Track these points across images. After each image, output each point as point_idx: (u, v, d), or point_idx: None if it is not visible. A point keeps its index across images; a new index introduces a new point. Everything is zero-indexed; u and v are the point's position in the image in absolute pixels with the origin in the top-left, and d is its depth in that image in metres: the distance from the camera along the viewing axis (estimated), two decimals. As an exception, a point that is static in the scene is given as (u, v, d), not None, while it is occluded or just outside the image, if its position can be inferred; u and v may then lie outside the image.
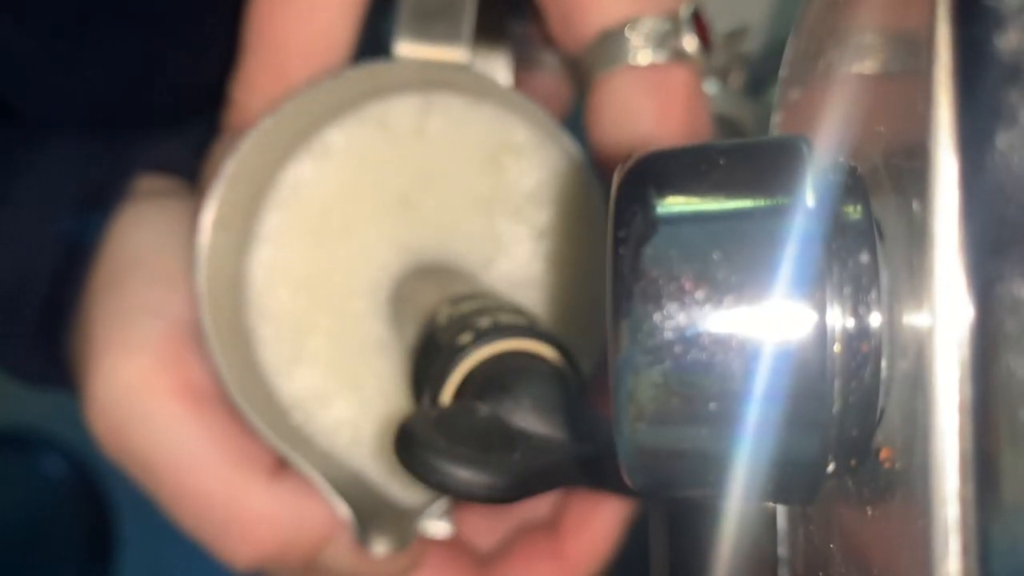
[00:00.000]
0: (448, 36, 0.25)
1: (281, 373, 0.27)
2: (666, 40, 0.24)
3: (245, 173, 0.26)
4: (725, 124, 0.32)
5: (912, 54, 0.12)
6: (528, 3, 0.30)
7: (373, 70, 0.26)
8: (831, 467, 0.14)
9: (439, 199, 0.27)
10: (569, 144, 0.27)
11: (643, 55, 0.24)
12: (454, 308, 0.24)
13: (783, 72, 0.18)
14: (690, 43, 0.25)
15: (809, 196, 0.13)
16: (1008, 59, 0.11)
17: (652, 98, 0.25)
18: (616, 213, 0.14)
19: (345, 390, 0.27)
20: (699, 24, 0.25)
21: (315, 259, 0.27)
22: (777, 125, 0.18)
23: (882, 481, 0.13)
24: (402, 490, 0.27)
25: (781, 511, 0.17)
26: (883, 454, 0.13)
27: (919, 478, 0.12)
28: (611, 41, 0.24)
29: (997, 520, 0.11)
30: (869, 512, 0.14)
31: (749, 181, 0.14)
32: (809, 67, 0.17)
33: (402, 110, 0.27)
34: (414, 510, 0.26)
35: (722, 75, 0.32)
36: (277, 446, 0.25)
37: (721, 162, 0.14)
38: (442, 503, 0.26)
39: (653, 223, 0.14)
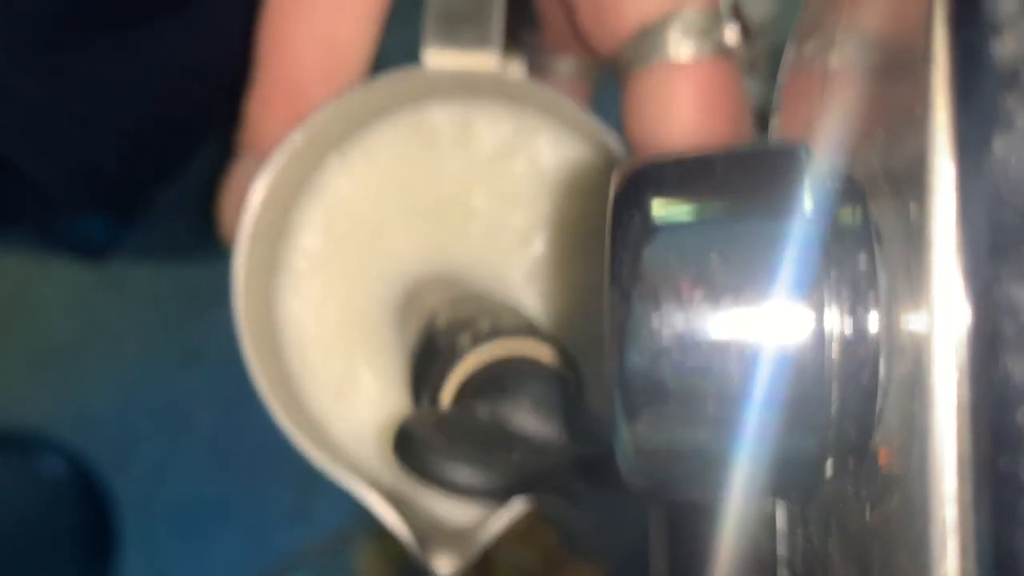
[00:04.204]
0: (478, 41, 0.25)
1: (327, 405, 0.27)
2: (708, 33, 0.24)
3: (275, 192, 0.25)
4: (758, 117, 0.32)
5: (909, 58, 0.12)
6: (537, 12, 0.29)
7: (405, 77, 0.25)
8: (829, 469, 0.14)
9: (475, 207, 0.27)
10: (615, 145, 0.26)
11: (685, 49, 0.24)
12: (453, 310, 0.24)
13: (781, 76, 0.18)
14: (732, 35, 0.24)
15: (807, 201, 0.13)
16: (1005, 64, 0.11)
17: (696, 92, 0.24)
18: (615, 217, 0.14)
19: (392, 418, 0.27)
20: (738, 15, 0.24)
21: (348, 278, 0.27)
22: (776, 129, 0.18)
23: (880, 483, 0.13)
24: (458, 508, 0.27)
25: (780, 512, 0.17)
26: (881, 456, 0.13)
27: (917, 480, 0.12)
28: (650, 36, 0.24)
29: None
30: (868, 513, 0.14)
31: (748, 185, 0.14)
32: (807, 71, 0.17)
33: (440, 116, 0.26)
34: (472, 527, 0.26)
35: (751, 67, 0.32)
36: (339, 477, 0.25)
37: (719, 167, 0.14)
38: (500, 520, 0.26)
39: (652, 227, 0.14)
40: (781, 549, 0.17)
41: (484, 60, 0.25)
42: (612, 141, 0.26)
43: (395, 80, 0.25)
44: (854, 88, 0.14)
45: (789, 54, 0.18)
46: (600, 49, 0.25)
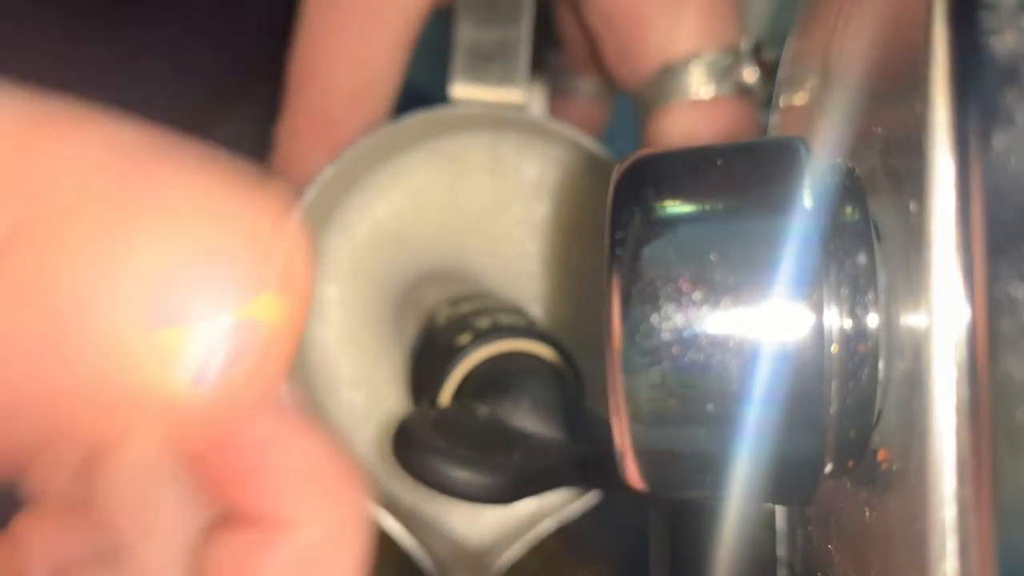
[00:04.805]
0: (505, 77, 0.25)
1: (351, 428, 0.27)
2: (728, 74, 0.25)
3: (308, 220, 0.26)
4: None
5: (909, 54, 0.12)
6: (561, 34, 0.30)
7: (434, 114, 0.25)
8: (828, 468, 0.14)
9: (501, 230, 0.27)
10: None
11: (706, 89, 0.25)
12: (453, 308, 0.24)
13: (782, 72, 0.18)
14: (751, 76, 0.25)
15: (807, 197, 0.13)
16: (1004, 60, 0.11)
17: (715, 132, 0.25)
18: (614, 215, 0.14)
19: None
20: (758, 56, 0.25)
21: (368, 296, 0.27)
22: (775, 126, 0.18)
23: (880, 482, 0.13)
24: (477, 529, 0.27)
25: (780, 512, 0.17)
26: (881, 455, 0.13)
27: (917, 479, 0.12)
28: (673, 75, 0.25)
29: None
30: (867, 513, 0.14)
31: (747, 182, 0.14)
32: (807, 68, 0.17)
33: (473, 146, 0.27)
34: (491, 550, 0.26)
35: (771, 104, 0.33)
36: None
37: (719, 163, 0.14)
38: (519, 545, 0.26)
39: (651, 225, 0.14)
40: (781, 550, 0.17)
41: (511, 96, 0.25)
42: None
43: (424, 117, 0.25)
44: (854, 84, 0.14)
45: (789, 51, 0.18)
46: (622, 83, 0.26)
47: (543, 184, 0.27)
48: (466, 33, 0.25)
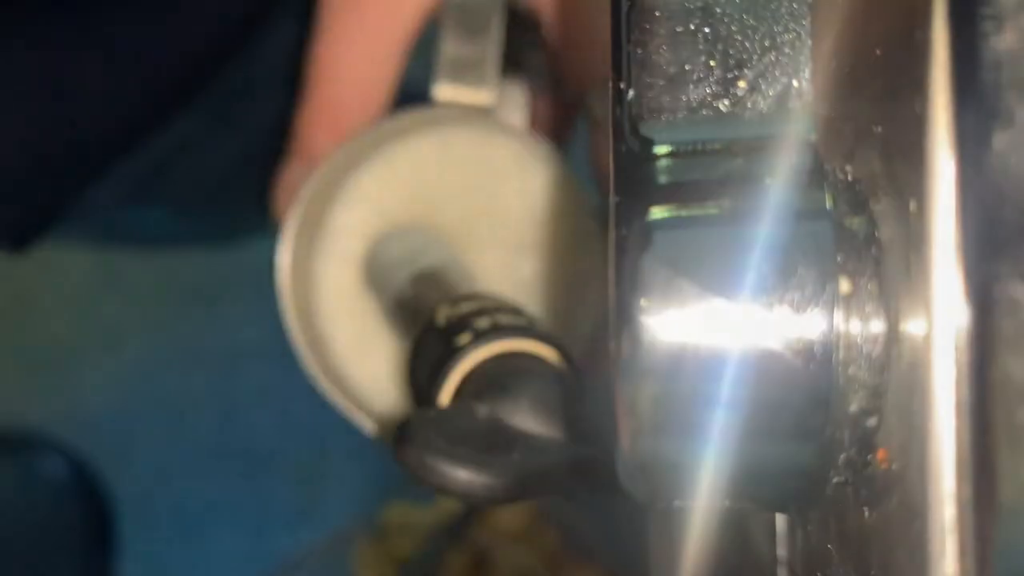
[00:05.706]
0: (477, 81, 0.30)
1: (352, 361, 0.30)
2: None
3: (315, 192, 0.29)
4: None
5: (909, 53, 0.12)
6: (542, 36, 0.33)
7: (422, 110, 0.30)
8: (832, 475, 0.14)
9: (489, 219, 0.30)
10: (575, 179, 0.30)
11: None
12: (453, 308, 0.24)
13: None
14: None
15: (810, 201, 0.13)
16: (1005, 60, 0.11)
17: None
18: (616, 222, 0.14)
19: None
20: None
21: (370, 303, 0.30)
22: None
23: (880, 482, 0.13)
24: None
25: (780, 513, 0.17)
26: (881, 455, 0.13)
27: (916, 479, 0.12)
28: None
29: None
30: (867, 513, 0.14)
31: (751, 186, 0.14)
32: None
33: (457, 138, 0.30)
34: None
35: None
36: (362, 423, 0.28)
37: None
38: None
39: (653, 231, 0.14)
40: (780, 550, 0.17)
41: (482, 96, 0.30)
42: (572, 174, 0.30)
43: (414, 113, 0.30)
44: (854, 85, 0.14)
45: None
46: (577, 88, 0.29)
47: (522, 172, 0.30)
48: (447, 46, 0.30)
